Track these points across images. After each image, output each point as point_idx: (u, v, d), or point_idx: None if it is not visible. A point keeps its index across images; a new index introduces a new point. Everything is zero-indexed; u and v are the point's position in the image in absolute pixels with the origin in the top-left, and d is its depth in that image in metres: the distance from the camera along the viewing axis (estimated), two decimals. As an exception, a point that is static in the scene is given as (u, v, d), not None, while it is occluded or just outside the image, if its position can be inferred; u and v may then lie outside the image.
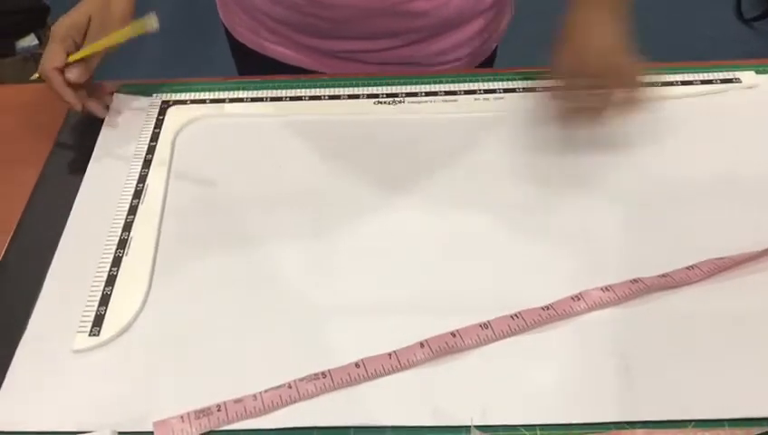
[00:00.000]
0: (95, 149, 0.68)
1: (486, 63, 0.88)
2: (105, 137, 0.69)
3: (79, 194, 0.64)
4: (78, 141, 0.69)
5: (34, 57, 1.64)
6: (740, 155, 0.65)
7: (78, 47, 0.67)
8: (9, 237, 0.60)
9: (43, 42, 1.67)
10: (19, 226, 0.61)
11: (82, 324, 0.53)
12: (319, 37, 0.80)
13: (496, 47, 0.88)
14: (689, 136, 0.67)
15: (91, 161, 0.67)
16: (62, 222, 0.61)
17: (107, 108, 0.71)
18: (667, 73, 0.73)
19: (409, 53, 0.80)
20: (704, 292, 0.54)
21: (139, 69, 1.90)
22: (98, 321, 0.54)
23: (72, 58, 0.66)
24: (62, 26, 0.67)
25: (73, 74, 0.67)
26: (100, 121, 0.71)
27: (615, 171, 0.64)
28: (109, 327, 0.53)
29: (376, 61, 0.81)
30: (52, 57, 0.66)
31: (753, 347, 0.51)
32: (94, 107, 0.70)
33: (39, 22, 1.65)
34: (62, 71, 0.66)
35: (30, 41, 1.64)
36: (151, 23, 0.63)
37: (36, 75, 0.68)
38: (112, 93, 0.73)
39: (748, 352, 0.50)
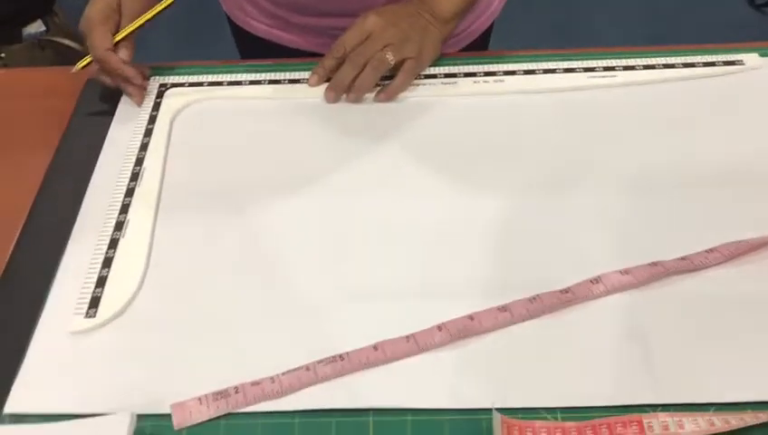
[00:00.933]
0: (109, 132, 0.68)
1: (481, 42, 0.87)
2: (118, 121, 0.69)
3: (93, 177, 0.63)
4: (90, 125, 0.69)
5: (41, 44, 1.64)
6: (749, 137, 0.64)
7: (117, 26, 0.68)
8: (23, 222, 0.60)
9: (50, 28, 1.66)
10: (32, 210, 0.61)
11: (79, 306, 0.53)
12: (304, 14, 0.79)
13: (491, 26, 0.87)
14: (695, 119, 0.66)
15: (104, 145, 0.66)
16: (75, 206, 0.61)
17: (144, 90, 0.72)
18: (669, 56, 0.72)
19: None
20: (724, 275, 0.54)
21: (148, 53, 1.89)
22: (94, 302, 0.53)
23: (117, 37, 0.67)
24: (96, 10, 0.67)
25: (124, 54, 0.67)
26: (113, 105, 0.70)
27: (630, 154, 0.63)
28: (105, 309, 0.53)
29: None
30: (101, 40, 0.66)
31: (774, 330, 0.50)
32: (136, 91, 0.70)
33: (46, 8, 1.65)
34: (114, 51, 0.67)
35: (37, 27, 1.63)
36: None
37: (83, 64, 0.69)
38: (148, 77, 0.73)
39: (769, 335, 0.50)
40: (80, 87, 0.72)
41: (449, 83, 0.71)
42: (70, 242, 0.58)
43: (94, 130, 0.68)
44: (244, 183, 0.62)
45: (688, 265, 0.53)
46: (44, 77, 0.78)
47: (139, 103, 0.70)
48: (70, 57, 1.74)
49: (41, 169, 0.64)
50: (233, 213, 0.60)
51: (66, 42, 1.69)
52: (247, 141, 0.67)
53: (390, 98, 0.69)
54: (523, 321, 0.51)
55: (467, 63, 0.73)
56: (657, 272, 0.53)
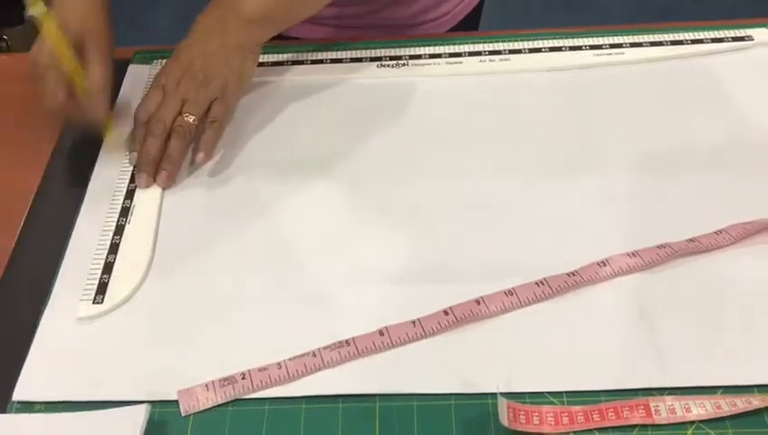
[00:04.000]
0: (114, 115, 0.67)
1: (471, 19, 0.85)
2: (121, 106, 0.68)
3: (97, 162, 0.63)
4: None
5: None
6: (758, 115, 0.63)
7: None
8: (28, 207, 0.60)
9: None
10: (37, 196, 0.61)
11: (86, 292, 0.53)
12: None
13: (480, 5, 0.86)
14: (704, 96, 0.66)
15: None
16: (80, 192, 0.61)
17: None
18: (676, 32, 0.71)
19: (386, 15, 0.78)
20: (732, 257, 0.53)
21: (149, 38, 1.89)
22: (101, 289, 0.53)
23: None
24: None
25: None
26: (116, 90, 0.69)
27: (637, 133, 0.62)
28: (112, 295, 0.53)
29: (351, 25, 0.79)
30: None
31: (783, 313, 0.50)
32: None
33: (47, -11, 1.63)
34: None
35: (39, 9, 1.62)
36: None
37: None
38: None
39: (778, 318, 0.50)
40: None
41: (454, 63, 0.70)
42: (75, 227, 0.58)
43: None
44: (248, 167, 0.62)
45: (697, 247, 0.53)
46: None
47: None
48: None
49: (45, 153, 0.64)
50: (238, 198, 0.60)
51: (68, 23, 1.67)
52: (251, 125, 0.66)
53: (211, 153, 0.62)
54: (530, 304, 0.51)
55: (472, 42, 0.72)
56: (665, 254, 0.52)
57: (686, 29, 0.71)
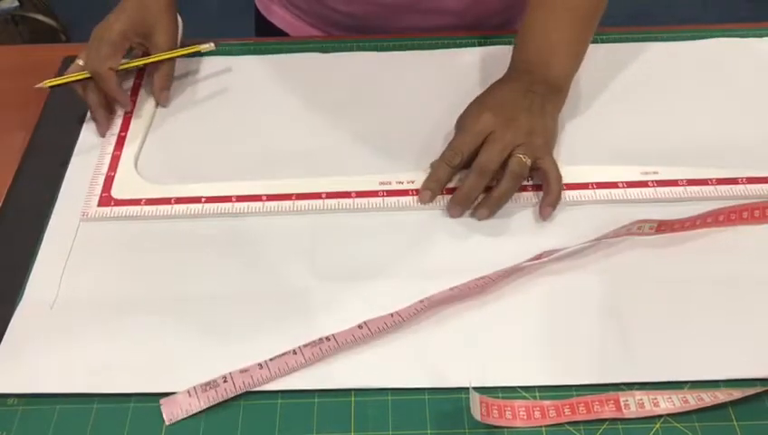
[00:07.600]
0: (88, 113, 0.67)
1: None
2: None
3: (72, 157, 0.63)
4: (68, 105, 0.67)
5: (15, 19, 1.62)
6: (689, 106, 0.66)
7: (126, 51, 0.66)
8: (1, 202, 0.59)
9: (23, 3, 1.63)
10: (10, 191, 0.60)
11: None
12: (342, 29, 0.79)
13: None
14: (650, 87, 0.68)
15: (84, 126, 0.66)
16: (55, 186, 0.60)
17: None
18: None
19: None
20: (699, 253, 0.55)
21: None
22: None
23: (130, 64, 0.67)
24: (123, 23, 0.64)
25: (164, 98, 0.67)
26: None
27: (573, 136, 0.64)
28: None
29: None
30: (110, 57, 0.63)
31: (747, 309, 0.52)
32: (105, 121, 0.65)
33: (18, -18, 1.62)
34: (115, 72, 0.64)
35: (10, 2, 1.60)
36: (209, 47, 0.70)
37: (55, 83, 0.64)
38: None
39: (743, 315, 0.51)
40: (57, 66, 0.71)
41: None
42: (50, 222, 0.58)
43: (72, 109, 0.67)
44: (223, 164, 0.62)
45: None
46: (22, 55, 0.77)
47: (103, 134, 0.65)
48: (44, 33, 1.72)
49: (18, 150, 0.64)
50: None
51: (40, 17, 1.66)
52: (224, 121, 0.66)
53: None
54: (502, 286, 0.53)
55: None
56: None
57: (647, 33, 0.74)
